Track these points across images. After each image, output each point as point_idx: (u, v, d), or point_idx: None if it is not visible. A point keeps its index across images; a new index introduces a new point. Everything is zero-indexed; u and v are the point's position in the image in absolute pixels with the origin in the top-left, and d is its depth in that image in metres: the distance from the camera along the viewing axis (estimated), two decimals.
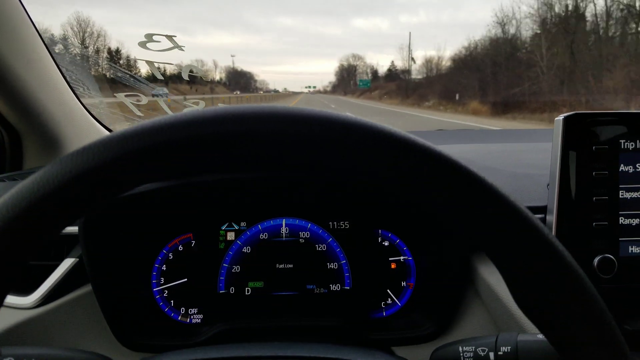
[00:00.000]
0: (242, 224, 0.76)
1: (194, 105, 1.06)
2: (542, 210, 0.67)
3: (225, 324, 0.70)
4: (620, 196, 0.63)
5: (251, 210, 0.76)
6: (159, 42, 0.92)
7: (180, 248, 0.75)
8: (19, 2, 0.83)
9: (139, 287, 0.73)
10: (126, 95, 1.01)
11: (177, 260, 0.75)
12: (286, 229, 0.76)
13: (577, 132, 0.62)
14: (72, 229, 0.66)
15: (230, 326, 0.70)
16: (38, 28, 0.89)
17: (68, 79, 1.01)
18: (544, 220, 0.66)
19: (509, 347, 0.45)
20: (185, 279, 0.74)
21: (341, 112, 0.32)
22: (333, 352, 0.54)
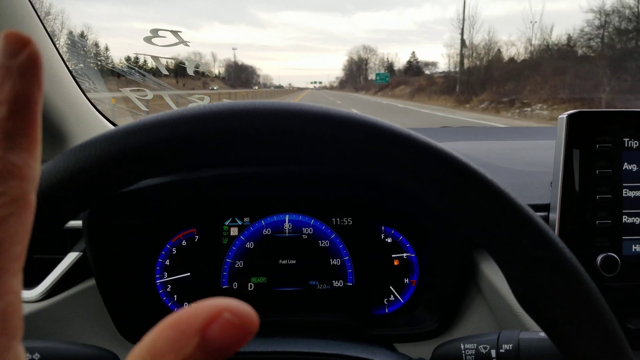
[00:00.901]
0: (246, 219, 0.76)
1: (199, 101, 1.07)
2: (546, 208, 0.67)
3: None
4: (624, 195, 0.63)
5: (255, 206, 0.76)
6: (164, 37, 0.93)
7: (184, 243, 0.75)
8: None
9: (142, 282, 0.73)
10: (131, 90, 1.01)
11: (180, 255, 0.75)
12: (289, 225, 0.76)
13: (580, 130, 0.62)
14: (76, 223, 0.66)
15: None
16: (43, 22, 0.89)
17: (74, 73, 1.01)
18: (547, 218, 0.66)
19: (510, 345, 0.46)
20: (189, 274, 0.75)
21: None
22: (335, 348, 0.54)
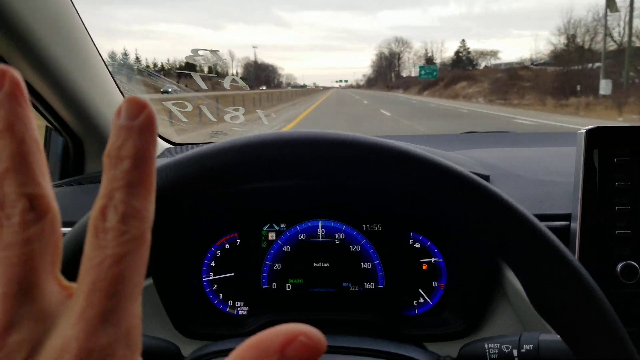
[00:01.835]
0: (282, 225, 0.82)
1: (234, 112, 1.13)
2: (567, 217, 0.71)
3: (269, 316, 0.77)
4: None
5: (290, 213, 0.82)
6: (203, 55, 1.00)
7: (227, 246, 0.82)
8: (70, 3, 0.86)
9: (191, 281, 0.80)
10: (173, 104, 1.09)
11: (224, 256, 0.82)
12: (322, 231, 0.82)
13: (598, 145, 0.66)
14: None
15: (275, 318, 0.76)
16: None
17: (117, 82, 1.08)
18: (568, 227, 0.70)
19: (531, 346, 0.50)
20: (232, 274, 0.81)
21: None
22: (371, 344, 0.59)
